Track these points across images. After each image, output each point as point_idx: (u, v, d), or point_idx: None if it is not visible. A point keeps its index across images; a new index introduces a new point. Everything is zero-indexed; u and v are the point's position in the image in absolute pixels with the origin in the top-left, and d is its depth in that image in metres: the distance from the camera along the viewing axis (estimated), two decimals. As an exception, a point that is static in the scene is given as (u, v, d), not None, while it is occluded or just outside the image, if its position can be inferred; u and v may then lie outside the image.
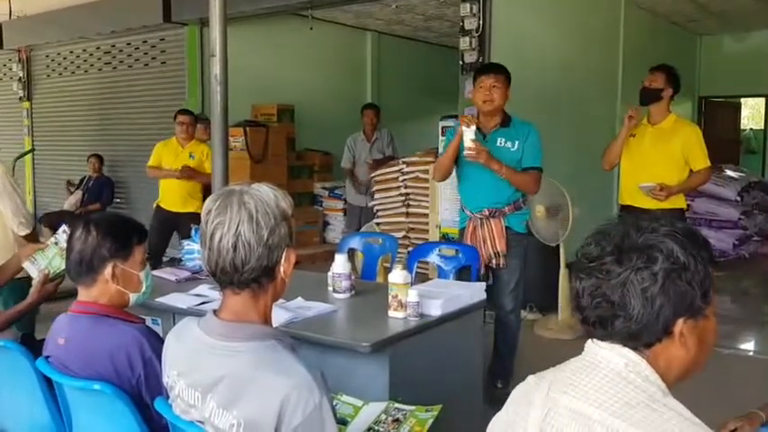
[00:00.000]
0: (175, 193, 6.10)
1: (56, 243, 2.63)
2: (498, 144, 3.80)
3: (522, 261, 3.87)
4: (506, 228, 3.81)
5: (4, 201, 3.60)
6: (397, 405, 2.01)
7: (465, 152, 3.66)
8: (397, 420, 1.93)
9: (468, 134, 3.64)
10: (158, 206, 6.20)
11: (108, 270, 2.01)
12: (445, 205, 5.59)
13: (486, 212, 3.81)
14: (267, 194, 1.51)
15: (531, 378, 1.30)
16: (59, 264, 2.58)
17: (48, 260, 2.62)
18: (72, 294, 2.09)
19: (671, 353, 1.19)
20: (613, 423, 1.10)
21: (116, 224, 2.09)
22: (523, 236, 3.89)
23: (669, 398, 1.16)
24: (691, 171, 4.25)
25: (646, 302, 1.15)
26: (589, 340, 1.25)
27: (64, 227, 2.64)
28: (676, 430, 1.09)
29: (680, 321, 1.18)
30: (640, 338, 1.18)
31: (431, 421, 1.92)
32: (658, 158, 4.22)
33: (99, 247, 2.00)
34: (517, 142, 3.79)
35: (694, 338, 1.20)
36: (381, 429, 1.90)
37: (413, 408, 1.98)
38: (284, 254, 1.52)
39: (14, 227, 3.63)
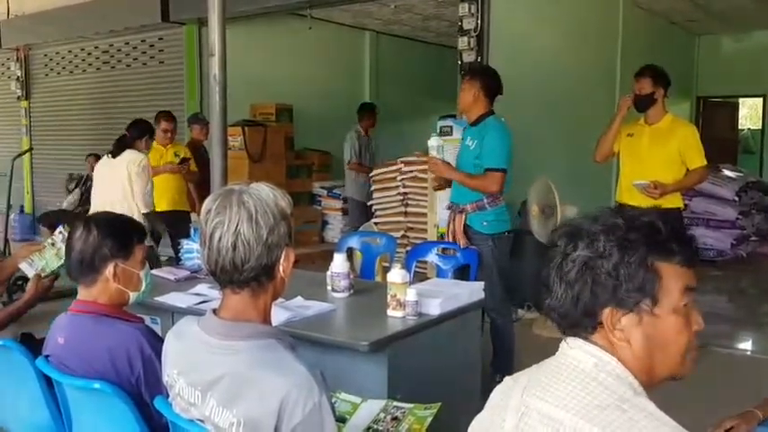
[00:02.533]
0: (168, 192, 6.05)
1: (53, 244, 2.65)
2: (467, 142, 3.95)
3: (492, 260, 3.86)
4: (468, 225, 3.90)
5: (138, 181, 4.84)
6: (396, 403, 2.01)
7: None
8: (396, 418, 1.94)
9: (433, 149, 3.96)
10: (149, 213, 6.07)
11: (109, 269, 2.01)
12: (443, 205, 5.59)
13: (451, 206, 4.01)
14: (266, 194, 1.52)
15: (507, 379, 1.31)
16: (55, 264, 2.61)
17: (44, 261, 2.64)
18: (71, 293, 2.10)
19: (616, 348, 1.18)
20: (583, 426, 1.10)
21: (116, 223, 2.11)
22: (484, 236, 3.87)
23: (641, 397, 1.14)
24: (687, 170, 4.25)
25: (567, 286, 1.18)
26: (562, 341, 1.25)
27: (61, 228, 2.68)
28: (646, 431, 1.08)
29: (606, 311, 1.16)
30: (566, 320, 1.20)
31: (430, 419, 1.93)
32: (656, 158, 4.23)
33: (100, 246, 2.01)
34: (476, 141, 3.87)
35: (639, 336, 1.17)
36: (380, 428, 1.91)
37: (411, 406, 1.99)
38: (283, 253, 1.53)
39: (139, 202, 4.87)
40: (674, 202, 4.26)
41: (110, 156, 5.02)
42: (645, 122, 4.34)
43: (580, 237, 1.18)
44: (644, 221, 1.18)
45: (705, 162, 4.26)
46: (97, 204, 4.98)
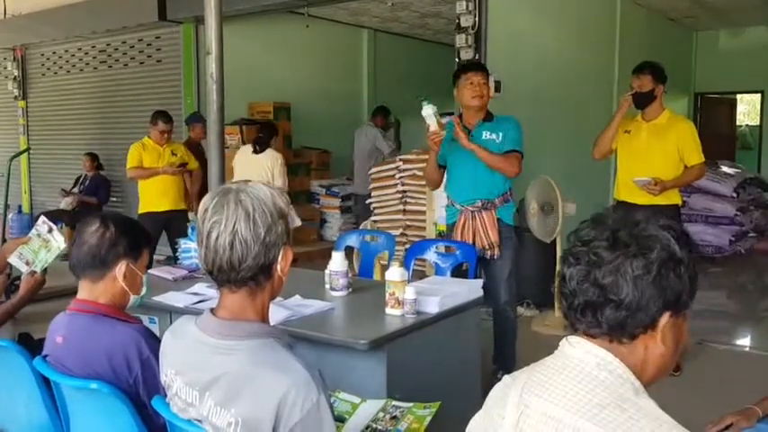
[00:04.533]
0: (168, 192, 6.09)
1: (38, 235, 2.67)
2: (484, 137, 3.88)
3: (514, 253, 3.93)
4: (498, 219, 3.88)
5: (279, 177, 6.33)
6: (395, 402, 2.01)
7: (429, 138, 3.72)
8: (395, 417, 1.93)
9: (431, 118, 3.66)
10: (148, 213, 6.05)
11: (120, 267, 2.02)
12: (442, 203, 5.57)
13: (480, 204, 3.87)
14: (264, 192, 1.51)
15: (506, 378, 1.29)
16: (45, 256, 2.62)
17: (34, 253, 2.65)
18: (71, 293, 2.09)
19: (650, 349, 1.18)
20: (583, 425, 1.09)
21: (131, 225, 2.14)
22: (512, 228, 3.95)
23: (642, 396, 1.14)
24: (685, 167, 4.25)
25: (635, 290, 1.14)
26: (563, 339, 1.23)
27: (43, 218, 2.73)
28: (646, 430, 1.07)
29: (666, 315, 1.16)
30: (626, 327, 1.16)
31: (429, 418, 1.92)
32: (654, 154, 4.22)
33: (116, 243, 2.03)
34: (501, 134, 3.86)
35: (672, 337, 1.19)
36: (380, 427, 1.90)
37: (411, 405, 1.99)
38: (281, 252, 1.52)
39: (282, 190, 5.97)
40: (672, 198, 4.25)
41: (253, 151, 6.42)
42: (642, 119, 4.33)
43: (652, 239, 1.15)
44: (678, 226, 1.20)
45: (703, 158, 4.26)
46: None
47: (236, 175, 6.36)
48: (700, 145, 4.25)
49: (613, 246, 1.16)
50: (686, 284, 1.16)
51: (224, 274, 1.49)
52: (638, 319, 1.15)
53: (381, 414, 1.95)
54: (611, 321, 1.16)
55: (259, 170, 6.30)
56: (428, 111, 3.67)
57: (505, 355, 3.97)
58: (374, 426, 1.91)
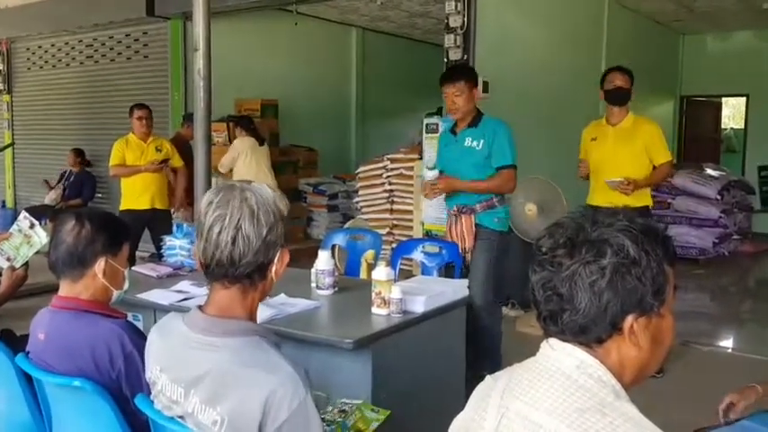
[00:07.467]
0: (150, 189, 5.99)
1: (19, 230, 2.66)
2: (466, 144, 3.89)
3: (491, 257, 3.87)
4: (477, 225, 3.86)
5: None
6: (344, 399, 2.01)
7: (425, 192, 4.12)
8: (343, 411, 1.94)
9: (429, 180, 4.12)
10: (128, 210, 5.94)
11: (99, 264, 2.00)
12: (429, 202, 5.59)
13: (456, 209, 3.91)
14: (267, 192, 1.53)
15: (488, 378, 1.29)
16: (26, 251, 2.61)
17: (15, 249, 2.63)
18: (54, 289, 2.07)
19: (623, 351, 1.16)
20: (563, 431, 1.08)
21: (108, 220, 2.10)
22: (494, 232, 3.88)
23: (622, 401, 1.12)
24: (654, 167, 4.31)
25: (593, 296, 1.13)
26: (544, 341, 1.23)
27: (24, 213, 2.71)
28: None
29: (629, 318, 1.14)
30: (589, 333, 1.15)
31: (376, 424, 1.91)
32: (622, 157, 4.27)
33: (93, 240, 2.00)
34: (482, 141, 3.84)
35: (647, 337, 1.16)
36: (328, 417, 1.90)
37: (359, 402, 1.99)
38: (278, 253, 1.53)
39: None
40: (643, 200, 4.31)
41: (260, 144, 7.30)
42: (607, 123, 4.38)
43: (606, 243, 1.13)
44: (641, 223, 1.17)
45: (670, 157, 4.37)
46: (250, 175, 6.74)
47: (250, 160, 7.09)
48: (666, 144, 4.36)
49: (570, 253, 1.15)
50: (647, 284, 1.13)
51: (222, 269, 1.49)
52: (597, 325, 1.14)
53: (330, 408, 1.96)
54: (570, 328, 1.16)
55: (267, 161, 7.26)
56: (433, 174, 4.26)
57: (486, 359, 3.85)
58: (322, 416, 1.91)
